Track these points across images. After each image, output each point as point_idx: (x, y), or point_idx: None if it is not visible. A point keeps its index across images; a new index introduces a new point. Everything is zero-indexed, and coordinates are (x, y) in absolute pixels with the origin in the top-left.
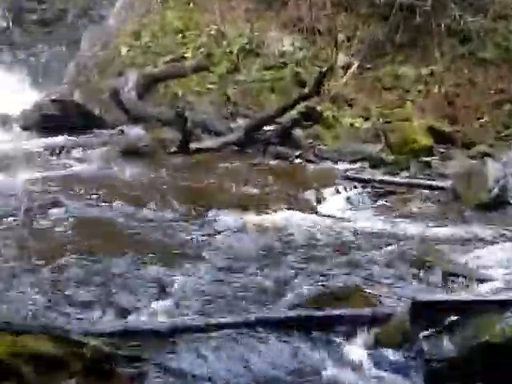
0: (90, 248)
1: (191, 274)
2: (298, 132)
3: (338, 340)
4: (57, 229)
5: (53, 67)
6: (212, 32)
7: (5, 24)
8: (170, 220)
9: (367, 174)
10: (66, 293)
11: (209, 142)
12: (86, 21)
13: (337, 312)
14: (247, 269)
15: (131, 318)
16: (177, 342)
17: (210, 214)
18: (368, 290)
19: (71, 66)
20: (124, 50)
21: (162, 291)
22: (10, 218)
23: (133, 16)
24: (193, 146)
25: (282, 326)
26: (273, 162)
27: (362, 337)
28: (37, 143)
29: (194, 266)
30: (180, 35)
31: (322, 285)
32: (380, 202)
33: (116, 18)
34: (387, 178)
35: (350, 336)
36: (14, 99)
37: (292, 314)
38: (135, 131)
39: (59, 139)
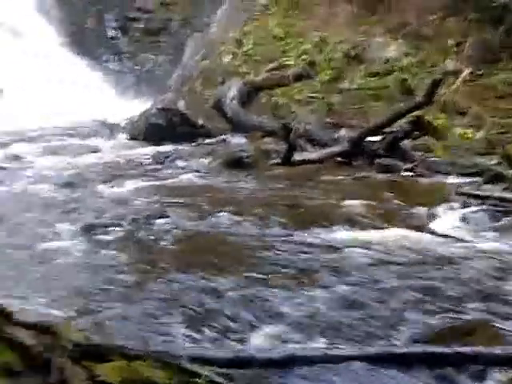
0: (195, 264)
1: (301, 297)
2: (406, 143)
3: (465, 382)
4: (162, 242)
5: (158, 76)
6: (314, 39)
7: (112, 33)
8: (276, 236)
9: (484, 190)
10: (174, 313)
11: (313, 154)
12: (189, 29)
13: (465, 349)
14: (360, 293)
15: (244, 344)
16: (293, 373)
17: (317, 230)
18: (499, 326)
19: (175, 75)
20: (226, 59)
21: (274, 315)
22: (117, 228)
23: (235, 24)
24: (296, 157)
25: (404, 362)
26: (380, 176)
27: (495, 379)
28: (143, 152)
29: (304, 287)
30: (282, 42)
31: (446, 317)
32: (502, 223)
33: (219, 26)
34: (509, 195)
35: (479, 378)
36: (120, 108)
37: (416, 349)
38: (238, 141)
39: (164, 148)
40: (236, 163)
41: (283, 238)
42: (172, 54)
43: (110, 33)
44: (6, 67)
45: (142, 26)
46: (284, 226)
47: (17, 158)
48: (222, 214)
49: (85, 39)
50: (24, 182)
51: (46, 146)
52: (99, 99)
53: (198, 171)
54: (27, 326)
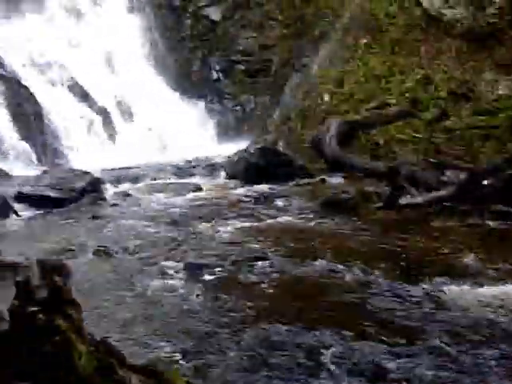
0: (295, 313)
1: (412, 357)
2: None
3: None
4: (262, 285)
5: (258, 115)
6: (418, 76)
7: (215, 75)
8: (380, 287)
9: None
10: (272, 367)
11: (418, 198)
12: (289, 70)
13: None
14: (475, 356)
15: None
16: None
17: (424, 283)
18: None
19: (275, 115)
20: (326, 98)
21: (380, 377)
22: (219, 269)
23: (336, 63)
24: (400, 200)
25: None
26: (493, 223)
27: None
28: (242, 191)
29: (411, 349)
30: (384, 81)
31: None
32: None
33: (319, 66)
34: None
35: None
36: (222, 147)
37: None
38: (336, 181)
39: (263, 188)
40: (336, 205)
41: (387, 290)
42: (272, 95)
43: (214, 75)
44: (116, 108)
45: (243, 67)
46: (389, 277)
47: (126, 194)
48: (322, 259)
49: (191, 81)
50: (132, 219)
51: (153, 184)
52: (202, 138)
53: (297, 212)
54: (136, 370)
